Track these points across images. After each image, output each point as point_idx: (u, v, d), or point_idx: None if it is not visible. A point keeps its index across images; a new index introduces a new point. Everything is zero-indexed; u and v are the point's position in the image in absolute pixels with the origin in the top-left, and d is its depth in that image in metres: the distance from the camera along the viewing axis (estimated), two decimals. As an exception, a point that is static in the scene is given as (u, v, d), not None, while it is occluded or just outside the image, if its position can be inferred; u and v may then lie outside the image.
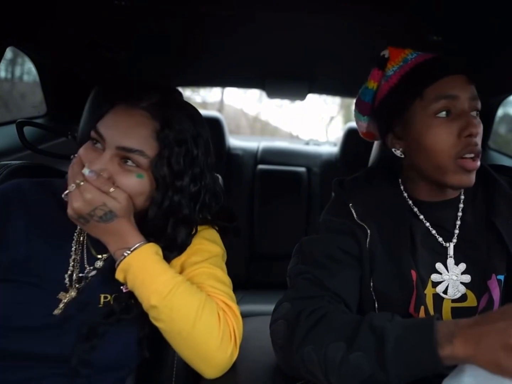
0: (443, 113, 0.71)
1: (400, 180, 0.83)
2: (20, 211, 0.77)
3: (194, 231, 0.79)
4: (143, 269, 0.68)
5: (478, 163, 0.71)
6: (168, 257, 0.74)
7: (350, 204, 0.77)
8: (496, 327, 0.51)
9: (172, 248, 0.76)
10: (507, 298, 0.74)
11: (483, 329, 0.52)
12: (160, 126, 0.73)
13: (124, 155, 0.71)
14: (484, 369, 0.52)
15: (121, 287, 0.71)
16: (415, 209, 0.79)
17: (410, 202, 0.80)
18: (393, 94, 0.77)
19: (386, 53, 0.79)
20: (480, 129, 0.72)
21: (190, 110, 0.80)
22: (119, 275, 0.69)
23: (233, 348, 0.70)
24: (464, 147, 0.70)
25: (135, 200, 0.73)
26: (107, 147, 0.71)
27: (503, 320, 0.52)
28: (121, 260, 0.69)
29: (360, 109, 0.85)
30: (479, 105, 0.73)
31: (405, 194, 0.81)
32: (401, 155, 0.78)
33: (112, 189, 0.68)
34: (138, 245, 0.70)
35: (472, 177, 0.72)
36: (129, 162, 0.71)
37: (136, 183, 0.71)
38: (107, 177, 0.69)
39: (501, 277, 0.73)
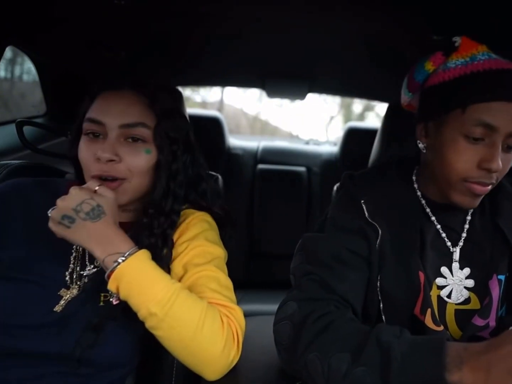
0: (476, 139, 0.67)
1: (414, 178, 0.81)
2: (20, 210, 0.77)
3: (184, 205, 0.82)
4: (140, 276, 0.65)
5: (488, 188, 0.70)
6: (169, 233, 0.76)
7: (362, 201, 0.76)
8: (502, 353, 0.51)
9: (172, 216, 0.77)
10: (508, 298, 0.74)
11: (491, 357, 0.52)
12: (149, 100, 0.78)
13: (127, 133, 0.74)
14: None
15: (111, 300, 0.67)
16: (428, 210, 0.78)
17: (424, 202, 0.79)
18: (443, 90, 0.71)
19: (458, 40, 0.72)
20: (505, 164, 0.68)
21: (164, 86, 0.87)
22: (111, 285, 0.65)
23: (236, 351, 0.70)
24: (478, 177, 0.68)
25: (143, 179, 0.76)
26: (109, 130, 0.73)
27: (508, 343, 0.51)
28: (114, 268, 0.64)
29: (408, 84, 0.80)
30: None
31: (419, 193, 0.79)
32: (423, 149, 0.76)
33: (97, 187, 0.69)
34: (132, 250, 0.66)
35: (476, 201, 0.71)
36: (137, 141, 0.75)
37: (145, 159, 0.75)
38: (119, 160, 0.72)
39: (502, 277, 0.74)
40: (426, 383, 0.54)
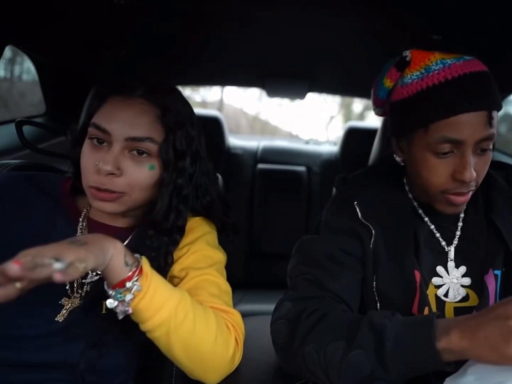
0: (444, 153, 0.67)
1: (405, 179, 0.81)
2: (14, 210, 0.74)
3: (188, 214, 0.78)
4: (155, 293, 0.62)
5: (468, 196, 0.70)
6: (170, 250, 0.73)
7: (355, 202, 0.76)
8: (494, 314, 0.52)
9: (175, 235, 0.73)
10: (505, 293, 0.74)
11: (480, 320, 0.53)
12: (160, 111, 0.73)
13: (133, 146, 0.70)
14: (483, 361, 0.52)
15: (115, 310, 0.61)
16: (420, 211, 0.78)
17: (415, 204, 0.79)
18: (404, 108, 0.71)
19: (408, 55, 0.71)
20: (481, 168, 0.68)
21: (178, 92, 0.80)
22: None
23: (239, 356, 0.71)
24: (454, 188, 0.68)
25: (144, 193, 0.72)
26: (114, 140, 0.70)
27: (500, 307, 0.52)
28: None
29: (373, 101, 0.81)
30: (491, 144, 0.67)
31: (410, 195, 0.79)
32: (401, 162, 0.77)
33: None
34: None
35: (460, 208, 0.72)
36: (142, 154, 0.71)
37: (148, 175, 0.71)
38: (119, 174, 0.69)
39: (498, 272, 0.73)
40: (420, 357, 0.55)
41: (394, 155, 0.77)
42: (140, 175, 0.71)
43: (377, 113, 0.85)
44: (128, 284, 0.59)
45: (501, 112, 1.76)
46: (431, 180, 0.69)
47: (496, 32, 1.00)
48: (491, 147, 0.68)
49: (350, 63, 1.41)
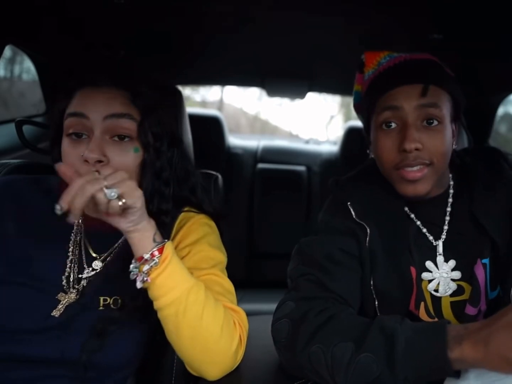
0: (388, 125, 0.72)
1: None
2: (13, 209, 0.75)
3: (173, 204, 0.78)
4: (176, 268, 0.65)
5: (421, 173, 0.70)
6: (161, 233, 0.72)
7: (349, 203, 0.77)
8: (503, 322, 0.51)
9: (162, 218, 0.73)
10: (495, 280, 0.74)
11: (491, 329, 0.52)
12: (130, 95, 0.73)
13: (113, 126, 0.69)
14: (495, 370, 0.51)
15: (136, 278, 0.64)
16: (406, 208, 0.79)
17: (401, 201, 0.79)
18: (364, 101, 0.80)
19: (363, 57, 0.81)
20: (430, 143, 0.70)
21: (146, 78, 0.80)
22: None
23: (241, 353, 0.71)
24: (401, 161, 0.71)
25: (131, 178, 0.71)
26: (94, 124, 0.69)
27: (506, 316, 0.52)
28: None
29: (354, 108, 0.90)
30: (436, 111, 0.70)
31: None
32: (372, 156, 0.80)
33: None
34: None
35: (419, 188, 0.72)
36: (124, 139, 0.70)
37: (134, 158, 0.71)
38: (107, 162, 0.68)
39: (486, 261, 0.74)
40: (430, 364, 0.55)
41: (368, 151, 0.82)
42: (127, 159, 0.71)
43: (361, 120, 0.90)
44: (146, 256, 0.63)
45: (501, 112, 1.76)
46: (382, 156, 0.74)
47: (496, 32, 1.00)
48: (436, 123, 0.71)
49: (350, 62, 1.41)
